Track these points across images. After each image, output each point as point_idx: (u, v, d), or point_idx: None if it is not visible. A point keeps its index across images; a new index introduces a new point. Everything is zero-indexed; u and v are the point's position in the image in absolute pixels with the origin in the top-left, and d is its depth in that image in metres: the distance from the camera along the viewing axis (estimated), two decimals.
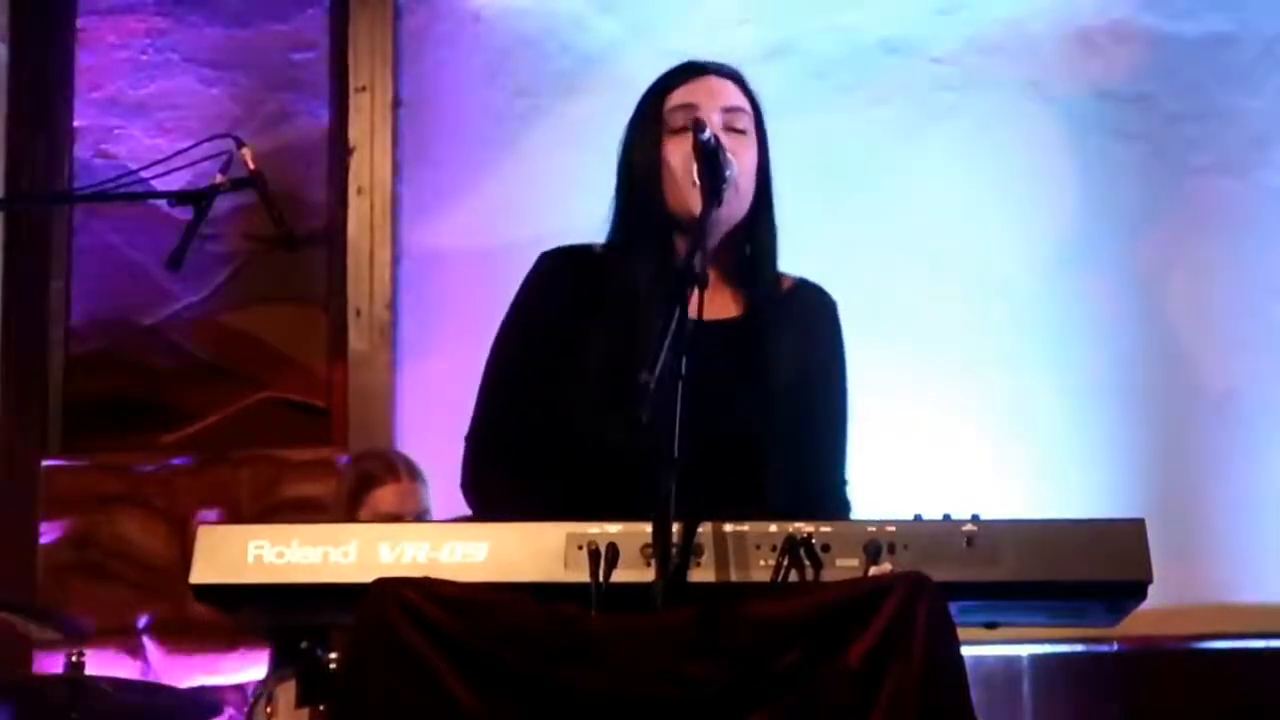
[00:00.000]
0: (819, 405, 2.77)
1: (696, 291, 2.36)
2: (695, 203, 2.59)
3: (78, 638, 4.12)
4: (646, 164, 2.73)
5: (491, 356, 2.83)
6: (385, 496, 4.20)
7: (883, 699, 2.17)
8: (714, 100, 2.72)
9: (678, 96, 2.73)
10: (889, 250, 4.92)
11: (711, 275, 2.48)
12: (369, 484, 4.23)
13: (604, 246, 2.79)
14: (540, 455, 2.67)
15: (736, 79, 2.79)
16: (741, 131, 2.72)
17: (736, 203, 2.69)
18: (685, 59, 2.81)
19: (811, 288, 2.86)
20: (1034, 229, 4.95)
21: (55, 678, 4.07)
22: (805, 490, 2.68)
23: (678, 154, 2.67)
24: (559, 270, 2.79)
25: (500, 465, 2.72)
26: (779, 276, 2.83)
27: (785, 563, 2.33)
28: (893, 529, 2.37)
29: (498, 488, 2.70)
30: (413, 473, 4.28)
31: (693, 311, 2.34)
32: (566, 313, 2.73)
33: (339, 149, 5.14)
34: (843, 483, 2.78)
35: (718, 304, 2.71)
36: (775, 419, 2.69)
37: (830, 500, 2.73)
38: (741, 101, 2.75)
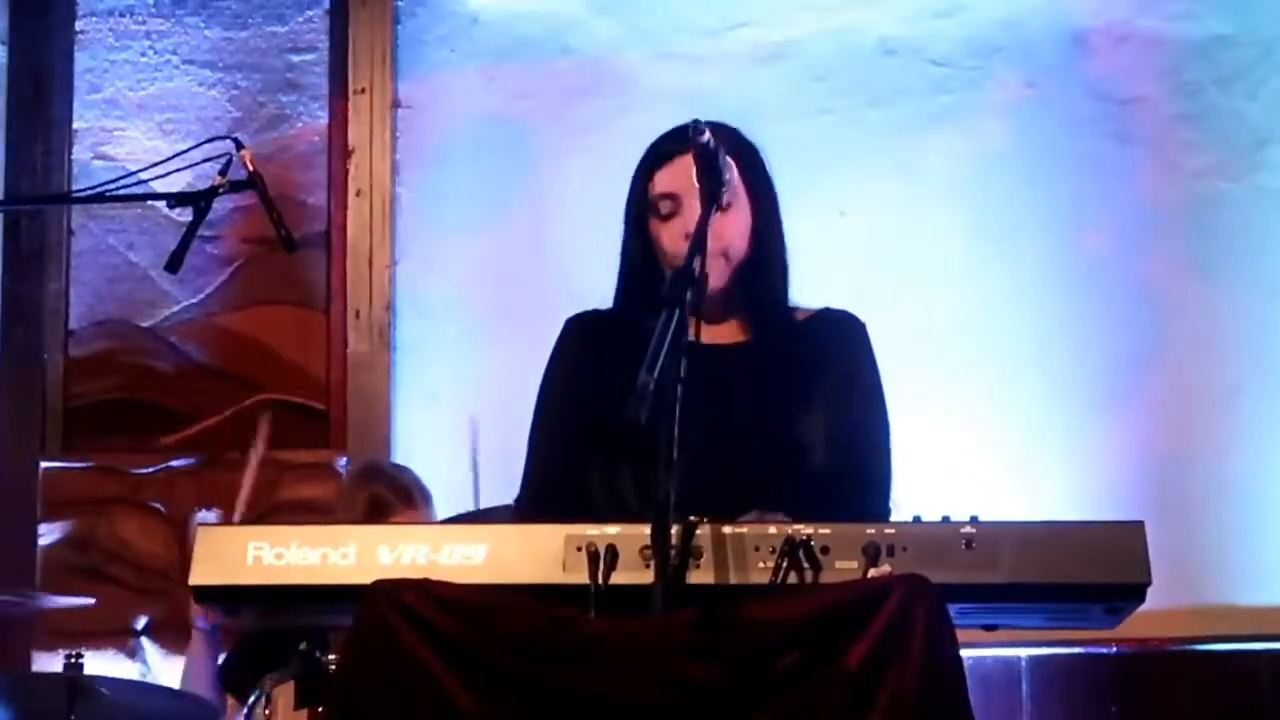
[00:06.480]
0: (846, 432, 2.79)
1: (699, 309, 2.41)
2: None
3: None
4: (641, 246, 2.85)
5: (532, 424, 2.90)
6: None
7: (881, 701, 2.17)
8: (693, 182, 2.70)
9: (660, 182, 2.81)
10: (887, 251, 4.92)
11: (718, 308, 2.69)
12: (383, 511, 4.21)
13: (619, 311, 2.89)
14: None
15: (723, 144, 2.77)
16: (724, 209, 2.75)
17: (722, 272, 2.77)
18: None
19: (835, 314, 2.92)
20: (1031, 231, 4.95)
21: (53, 678, 4.07)
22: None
23: (666, 238, 2.79)
24: (577, 337, 2.91)
25: None
26: (792, 310, 2.90)
27: (784, 565, 2.34)
28: (891, 531, 2.37)
29: None
30: (425, 496, 4.27)
31: (708, 336, 2.46)
32: (586, 379, 2.81)
33: (338, 151, 5.14)
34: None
35: (724, 332, 2.83)
36: (788, 445, 2.71)
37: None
38: (726, 172, 2.75)
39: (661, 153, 2.84)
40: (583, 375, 2.83)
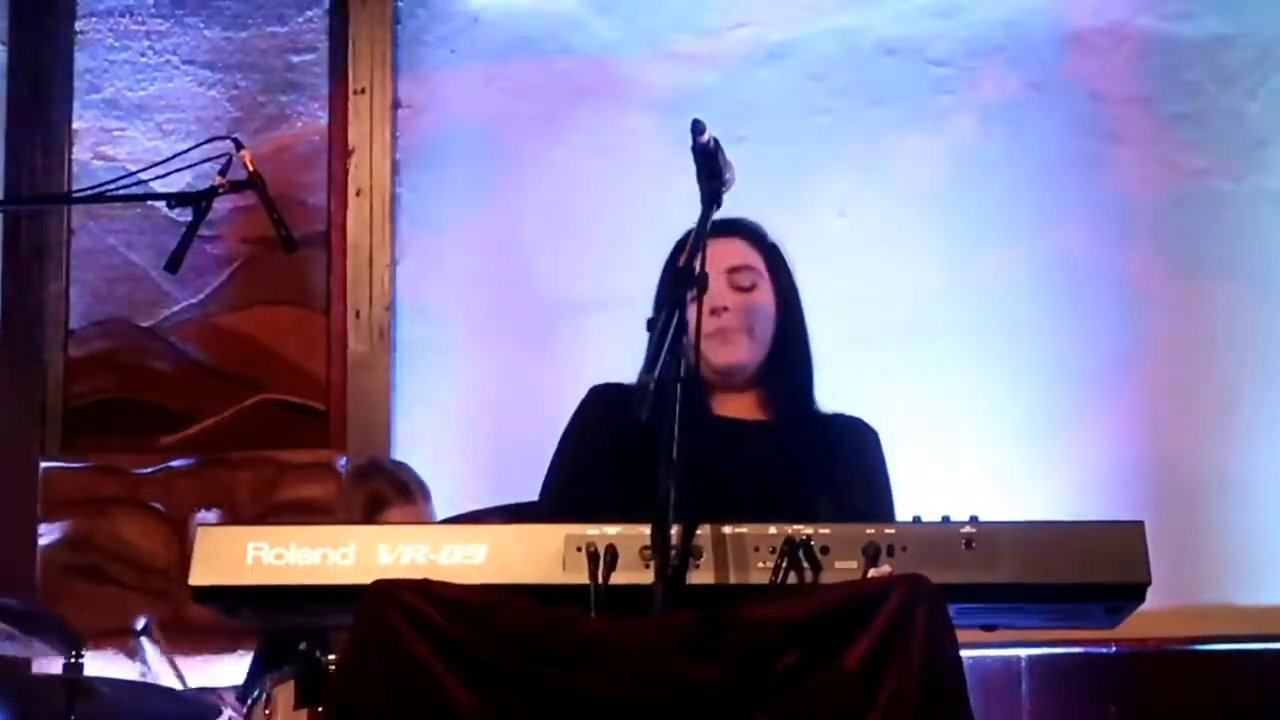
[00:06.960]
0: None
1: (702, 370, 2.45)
2: (711, 357, 2.80)
3: (72, 643, 4.09)
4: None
5: (544, 483, 2.94)
6: (396, 520, 4.17)
7: (881, 701, 2.17)
8: (718, 265, 2.77)
9: None
10: (886, 250, 4.92)
11: (740, 380, 2.82)
12: (380, 505, 4.21)
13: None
14: None
15: (745, 233, 2.92)
16: (747, 289, 2.88)
17: (747, 348, 2.88)
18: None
19: (849, 418, 2.97)
20: (1031, 231, 4.95)
21: (54, 679, 4.07)
22: None
23: (690, 317, 2.78)
24: (600, 405, 2.94)
25: None
26: (814, 409, 2.96)
27: (784, 565, 2.34)
28: (891, 531, 2.38)
29: None
30: (423, 492, 4.28)
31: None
32: (604, 447, 2.83)
33: (338, 151, 5.13)
34: None
35: (743, 406, 2.90)
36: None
37: None
38: (748, 258, 2.91)
39: (682, 241, 2.90)
40: (600, 442, 2.84)
